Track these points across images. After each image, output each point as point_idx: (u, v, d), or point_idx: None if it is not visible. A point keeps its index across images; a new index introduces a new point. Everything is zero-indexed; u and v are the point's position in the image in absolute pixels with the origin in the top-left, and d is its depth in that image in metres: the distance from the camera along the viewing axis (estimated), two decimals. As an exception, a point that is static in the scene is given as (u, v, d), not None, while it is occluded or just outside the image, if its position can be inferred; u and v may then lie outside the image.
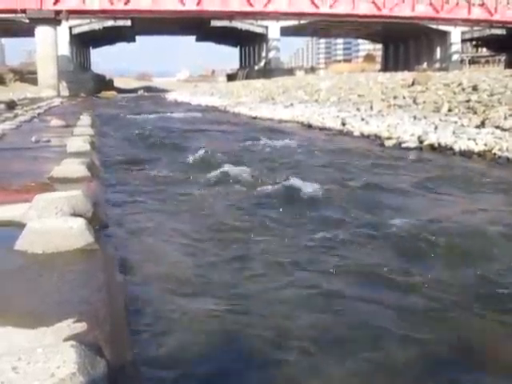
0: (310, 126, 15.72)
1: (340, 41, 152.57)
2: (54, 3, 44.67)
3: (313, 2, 51.07)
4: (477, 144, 9.43)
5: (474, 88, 14.71)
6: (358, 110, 16.00)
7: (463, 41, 58.62)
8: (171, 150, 10.23)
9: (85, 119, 12.93)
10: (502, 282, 3.42)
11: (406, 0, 54.09)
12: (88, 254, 2.76)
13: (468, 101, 13.11)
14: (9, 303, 2.13)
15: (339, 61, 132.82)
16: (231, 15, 50.32)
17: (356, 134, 12.91)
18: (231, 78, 67.02)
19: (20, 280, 2.41)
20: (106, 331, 1.90)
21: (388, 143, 11.02)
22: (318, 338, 2.72)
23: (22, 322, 1.91)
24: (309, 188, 5.88)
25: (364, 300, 3.19)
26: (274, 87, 30.22)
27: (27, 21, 44.95)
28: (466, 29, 56.27)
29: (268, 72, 50.39)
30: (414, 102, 14.98)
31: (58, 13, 45.04)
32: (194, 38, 70.64)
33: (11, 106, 19.92)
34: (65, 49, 48.02)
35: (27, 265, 2.61)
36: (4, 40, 76.86)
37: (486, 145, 9.27)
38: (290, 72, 56.03)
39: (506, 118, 10.53)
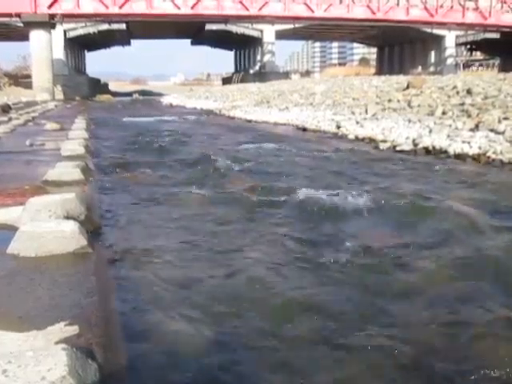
0: (304, 129, 15.73)
1: (335, 44, 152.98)
2: (49, 7, 44.56)
3: (308, 6, 51.18)
4: (471, 147, 9.45)
5: (468, 91, 14.78)
6: (353, 113, 16.02)
7: (458, 45, 58.86)
8: (165, 153, 10.22)
9: (79, 122, 12.92)
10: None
11: (401, 4, 54.31)
12: (81, 257, 2.75)
13: (462, 104, 13.15)
14: (0, 307, 2.12)
15: (334, 64, 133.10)
16: (226, 19, 50.37)
17: (351, 137, 12.92)
18: (226, 81, 67.07)
19: (12, 284, 2.39)
20: (98, 335, 1.89)
21: (383, 146, 11.03)
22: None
23: (13, 326, 1.90)
24: (301, 190, 5.88)
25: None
26: (269, 91, 30.25)
27: (21, 25, 44.84)
28: (460, 33, 56.49)
29: (263, 76, 50.48)
30: (409, 105, 15.02)
31: (52, 16, 44.92)
32: (189, 41, 70.73)
33: (6, 109, 19.87)
34: (59, 52, 47.89)
35: (19, 268, 2.59)
36: (-2, 44, 76.94)
37: (480, 148, 9.29)
38: (285, 76, 56.06)
39: (499, 121, 10.56)
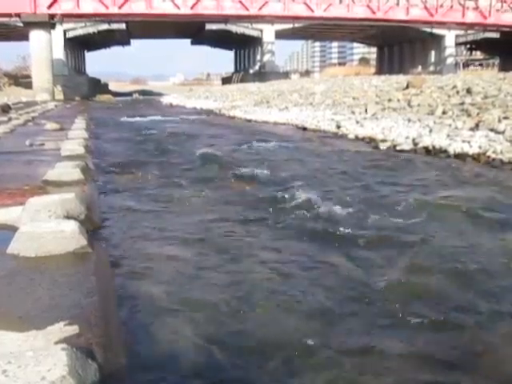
0: (304, 129, 15.72)
1: (335, 44, 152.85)
2: (49, 7, 44.55)
3: (307, 6, 51.17)
4: (471, 146, 9.44)
5: (468, 91, 14.78)
6: (353, 112, 16.02)
7: (457, 44, 58.86)
8: (166, 153, 10.21)
9: (79, 122, 12.93)
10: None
11: (401, 3, 54.31)
12: (81, 257, 2.75)
13: (462, 103, 13.15)
14: (0, 307, 2.12)
15: (334, 64, 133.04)
16: (226, 19, 50.37)
17: (351, 136, 12.91)
18: (226, 81, 67.06)
19: (12, 284, 2.39)
20: (98, 335, 1.89)
21: (383, 146, 11.02)
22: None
23: (13, 326, 1.90)
24: (299, 190, 5.87)
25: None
26: (269, 90, 30.25)
27: (21, 25, 44.84)
28: (460, 32, 56.48)
29: (263, 75, 50.48)
30: (409, 104, 15.02)
31: (52, 16, 44.93)
32: (189, 41, 70.72)
33: (5, 109, 19.87)
34: (59, 52, 47.86)
35: (19, 268, 2.59)
36: (-2, 44, 76.91)
37: (480, 147, 9.28)
38: (285, 75, 56.07)
39: (499, 121, 10.56)
